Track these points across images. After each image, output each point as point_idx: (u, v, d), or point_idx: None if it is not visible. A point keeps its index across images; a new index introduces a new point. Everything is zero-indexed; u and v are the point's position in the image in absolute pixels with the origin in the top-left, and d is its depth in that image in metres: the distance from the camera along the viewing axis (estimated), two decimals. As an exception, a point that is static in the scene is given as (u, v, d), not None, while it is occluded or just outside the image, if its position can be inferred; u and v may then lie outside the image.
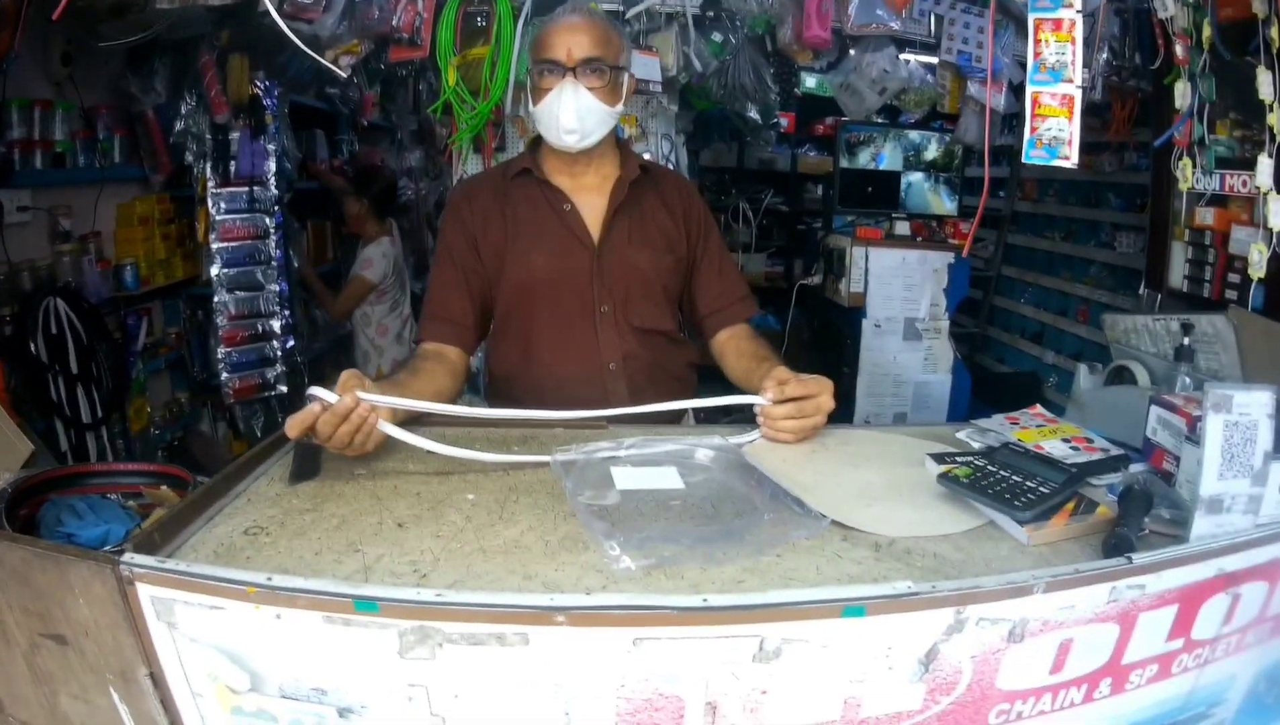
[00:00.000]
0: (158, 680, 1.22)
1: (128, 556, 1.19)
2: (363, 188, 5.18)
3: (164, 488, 1.73)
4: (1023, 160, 2.08)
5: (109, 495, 1.75)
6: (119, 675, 1.25)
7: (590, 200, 2.27)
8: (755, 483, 1.64)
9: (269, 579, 1.15)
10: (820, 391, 1.86)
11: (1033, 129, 2.03)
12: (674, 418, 2.23)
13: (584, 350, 2.23)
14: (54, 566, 1.23)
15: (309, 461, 1.65)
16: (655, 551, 1.30)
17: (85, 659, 1.27)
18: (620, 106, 2.22)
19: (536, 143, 2.32)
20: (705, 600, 1.14)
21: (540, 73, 2.17)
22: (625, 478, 1.61)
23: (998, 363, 6.65)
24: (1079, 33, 2.00)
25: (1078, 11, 1.99)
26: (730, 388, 2.13)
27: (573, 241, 2.24)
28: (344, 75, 3.80)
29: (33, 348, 3.47)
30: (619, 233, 2.26)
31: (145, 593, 1.17)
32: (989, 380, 6.01)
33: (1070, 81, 2.00)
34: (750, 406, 1.91)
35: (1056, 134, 2.01)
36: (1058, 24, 2.01)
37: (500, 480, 1.64)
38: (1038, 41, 2.03)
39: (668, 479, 1.63)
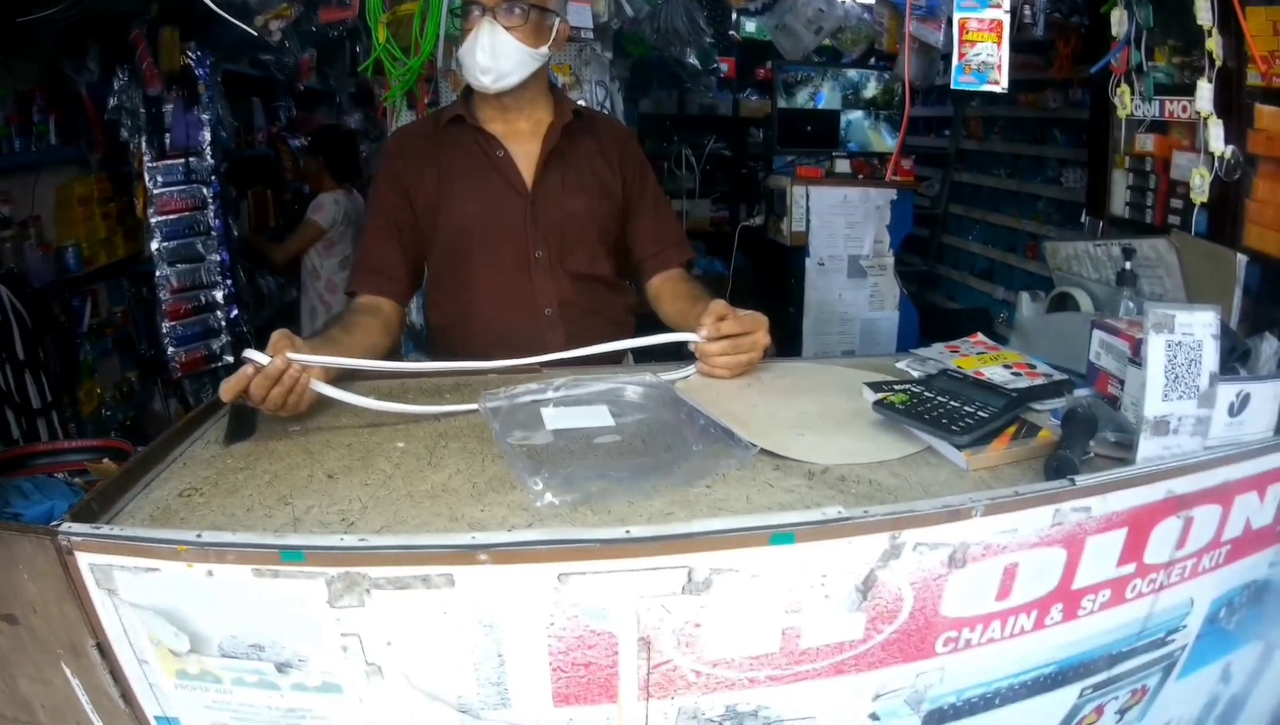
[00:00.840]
0: (104, 650, 1.21)
1: (65, 526, 1.17)
2: (319, 146, 5.14)
3: (106, 461, 1.76)
4: (951, 86, 2.08)
5: (56, 475, 1.76)
6: (69, 650, 1.24)
7: (523, 146, 2.24)
8: (687, 417, 1.64)
9: (198, 536, 1.13)
10: (756, 328, 1.87)
11: (961, 55, 2.03)
12: (613, 360, 2.22)
13: (520, 297, 2.22)
14: (0, 545, 1.22)
15: (244, 422, 1.65)
16: (581, 487, 1.30)
17: (36, 637, 1.26)
18: (545, 49, 2.19)
19: (469, 91, 2.29)
20: (628, 532, 1.14)
21: (465, 14, 2.14)
22: (555, 418, 1.61)
23: (948, 300, 6.71)
24: None
25: None
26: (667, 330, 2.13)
27: (506, 188, 2.22)
28: (274, 40, 3.76)
29: (-24, 337, 3.42)
30: (552, 178, 2.23)
31: (84, 561, 1.16)
32: (939, 317, 6.06)
33: (998, 7, 2.00)
34: (687, 346, 1.91)
35: (985, 59, 2.01)
36: None
37: (430, 427, 1.64)
38: None
39: (598, 417, 1.63)
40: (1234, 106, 2.32)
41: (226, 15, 2.18)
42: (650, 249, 2.36)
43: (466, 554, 1.11)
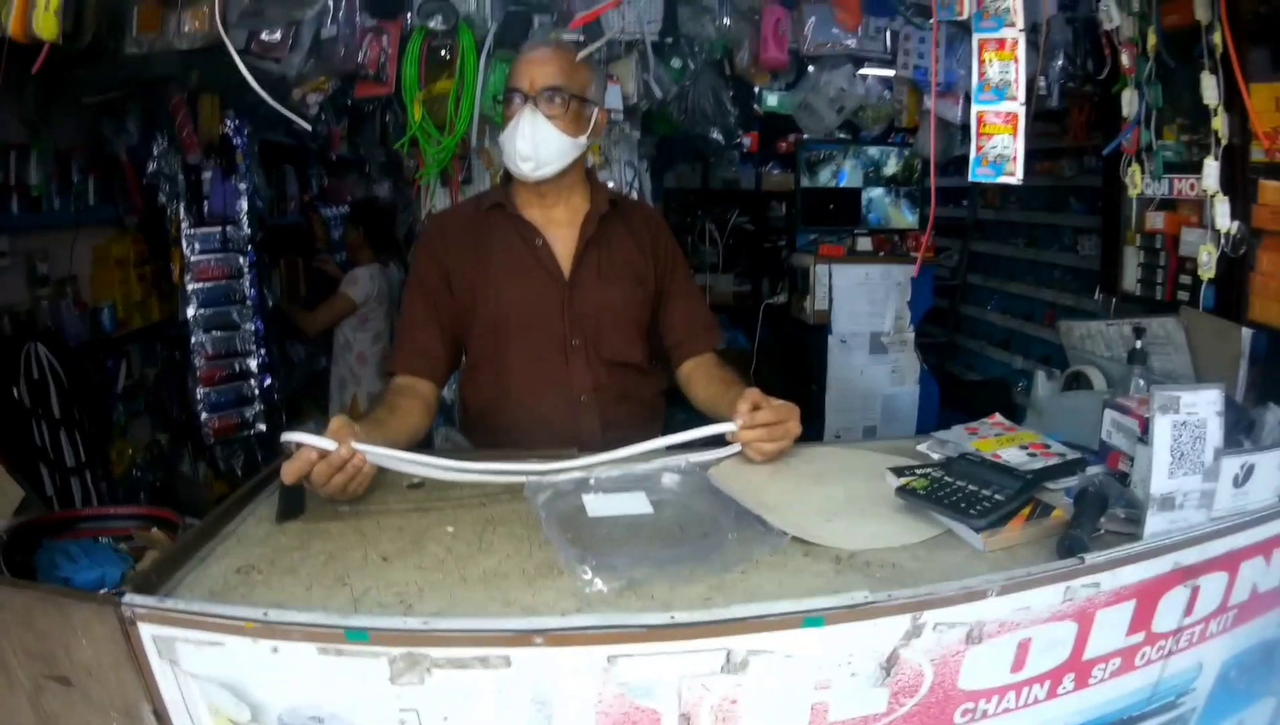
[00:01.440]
0: (161, 716, 1.26)
1: (129, 597, 1.22)
2: (359, 218, 5.23)
3: (155, 530, 1.76)
4: (969, 179, 2.14)
5: (100, 539, 1.77)
6: (123, 713, 1.29)
7: (561, 234, 2.31)
8: (720, 504, 1.70)
9: (265, 614, 1.20)
10: (789, 417, 1.94)
11: (978, 147, 2.09)
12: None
13: (556, 383, 2.27)
14: (57, 609, 1.27)
15: (294, 500, 1.69)
16: (625, 573, 1.37)
17: (89, 699, 1.30)
18: (584, 139, 2.25)
19: (509, 177, 2.35)
20: (673, 617, 1.21)
21: (507, 101, 2.22)
22: (596, 504, 1.68)
23: (968, 370, 6.73)
24: (1021, 51, 2.06)
25: (1020, 30, 2.05)
26: (698, 416, 2.19)
27: (544, 275, 2.28)
28: (311, 115, 3.85)
29: (15, 393, 3.49)
30: (589, 267, 2.30)
31: (147, 632, 1.22)
32: (959, 388, 6.11)
33: (1014, 100, 2.06)
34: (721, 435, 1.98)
35: (1002, 151, 2.07)
36: (1001, 43, 2.06)
37: (477, 513, 1.69)
38: (982, 61, 2.08)
39: (637, 504, 1.70)
40: (1239, 183, 2.37)
41: (263, 94, 2.26)
42: (682, 335, 2.41)
43: (524, 637, 1.18)
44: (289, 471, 1.62)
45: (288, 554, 1.51)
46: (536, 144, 2.18)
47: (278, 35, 3.32)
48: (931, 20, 2.16)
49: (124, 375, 4.37)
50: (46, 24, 1.87)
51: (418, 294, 2.32)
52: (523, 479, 1.74)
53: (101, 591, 1.49)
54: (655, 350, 2.45)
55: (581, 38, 3.46)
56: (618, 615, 1.24)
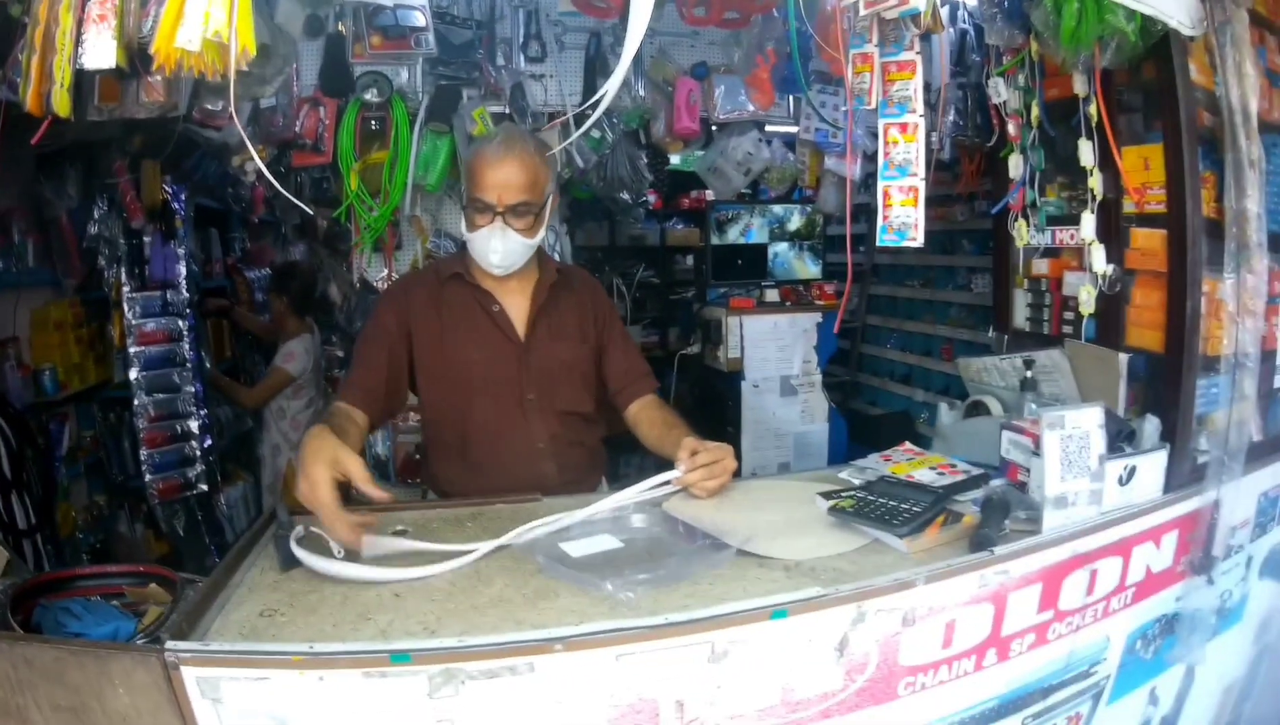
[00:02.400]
0: (202, 757, 1.36)
1: (171, 644, 1.33)
2: (282, 285, 5.22)
3: (153, 586, 1.79)
4: (877, 244, 2.36)
5: (92, 597, 1.80)
6: None
7: (515, 301, 2.52)
8: (680, 531, 1.97)
9: (311, 646, 1.36)
10: (724, 456, 2.19)
11: (885, 217, 2.30)
12: (592, 485, 2.57)
13: (516, 433, 2.49)
14: (94, 661, 1.35)
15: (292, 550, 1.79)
16: (637, 588, 1.61)
17: None
18: (541, 233, 2.46)
19: (463, 247, 2.54)
20: (667, 619, 1.47)
21: (474, 209, 2.38)
22: (575, 548, 1.87)
23: (871, 406, 6.96)
24: (921, 134, 2.28)
25: (920, 116, 2.28)
26: (639, 456, 2.43)
27: (501, 339, 2.49)
28: (248, 179, 3.96)
29: (-36, 457, 3.40)
30: (541, 329, 2.52)
31: (190, 674, 1.33)
32: (864, 423, 6.38)
33: (915, 175, 2.28)
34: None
35: (905, 220, 2.28)
36: (904, 127, 2.29)
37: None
38: (888, 143, 2.30)
39: (609, 543, 1.91)
40: (1113, 231, 2.58)
41: (269, 172, 2.34)
42: (624, 382, 2.62)
43: (545, 646, 1.42)
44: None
45: (304, 597, 1.64)
46: (507, 254, 2.39)
47: (220, 105, 3.40)
48: (861, 105, 2.36)
49: (67, 438, 4.29)
50: (63, 102, 1.90)
51: (377, 341, 2.49)
52: (512, 541, 1.91)
53: (136, 639, 1.56)
54: (602, 397, 2.65)
55: (505, 109, 3.63)
56: (622, 620, 1.48)
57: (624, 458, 2.36)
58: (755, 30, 3.71)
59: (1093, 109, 2.50)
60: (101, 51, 1.82)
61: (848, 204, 2.82)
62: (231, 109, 1.99)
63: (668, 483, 2.17)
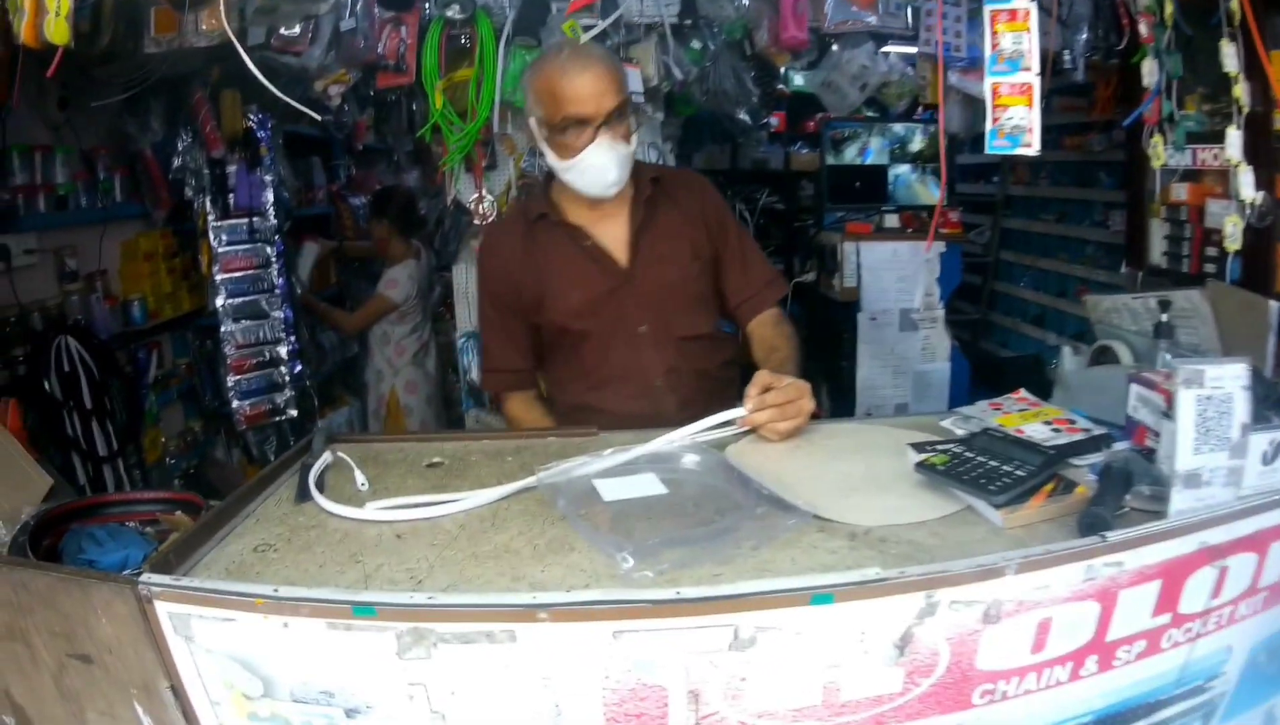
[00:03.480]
0: (178, 691, 1.31)
1: (145, 577, 1.27)
2: (381, 210, 5.23)
3: (179, 513, 1.80)
4: (986, 151, 2.10)
5: (128, 523, 1.82)
6: (142, 689, 1.34)
7: (610, 228, 2.33)
8: (737, 482, 1.69)
9: (275, 590, 1.25)
10: (799, 395, 1.94)
11: (994, 119, 2.05)
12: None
13: (630, 373, 2.32)
14: (79, 589, 1.32)
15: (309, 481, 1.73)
16: (665, 557, 1.35)
17: (110, 675, 1.35)
18: (635, 137, 2.27)
19: (548, 180, 2.38)
20: (678, 593, 1.21)
21: (565, 130, 2.17)
22: (610, 489, 1.66)
23: (1001, 347, 6.69)
24: (1034, 21, 2.02)
25: (1031, 0, 2.01)
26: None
27: (602, 273, 2.31)
28: (334, 106, 3.87)
29: (47, 386, 3.54)
30: (645, 252, 2.33)
31: (163, 609, 1.26)
32: (992, 365, 6.06)
33: (1028, 70, 2.02)
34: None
35: (1018, 123, 2.02)
36: (1013, 14, 2.02)
37: (492, 486, 1.69)
38: (994, 33, 2.04)
39: (650, 485, 1.68)
40: (1263, 152, 2.34)
41: (274, 89, 2.23)
42: (745, 294, 2.44)
43: (528, 612, 1.19)
44: None
45: (305, 532, 1.55)
46: (622, 166, 2.21)
47: (296, 30, 3.33)
48: None
49: (155, 366, 4.41)
50: (59, 30, 1.86)
51: (493, 312, 2.41)
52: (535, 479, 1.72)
53: (128, 571, 1.53)
54: (722, 310, 2.47)
55: (597, 21, 3.45)
56: (624, 591, 1.25)
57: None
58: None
59: (1235, 4, 2.24)
60: None
61: (940, 116, 2.53)
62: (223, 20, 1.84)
63: (732, 422, 1.94)
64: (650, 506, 1.60)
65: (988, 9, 2.05)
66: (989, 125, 2.06)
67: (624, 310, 2.31)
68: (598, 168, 2.18)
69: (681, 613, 1.20)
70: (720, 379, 2.43)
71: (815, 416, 1.97)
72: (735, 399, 2.08)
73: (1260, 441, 1.58)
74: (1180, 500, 1.52)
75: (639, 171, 2.38)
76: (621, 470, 1.74)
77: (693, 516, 1.56)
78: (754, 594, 1.21)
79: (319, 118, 2.74)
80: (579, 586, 1.30)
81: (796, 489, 1.60)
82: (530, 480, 1.69)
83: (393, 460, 1.88)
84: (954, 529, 1.50)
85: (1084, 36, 3.56)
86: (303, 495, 1.69)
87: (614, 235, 2.33)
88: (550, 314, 2.33)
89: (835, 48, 4.01)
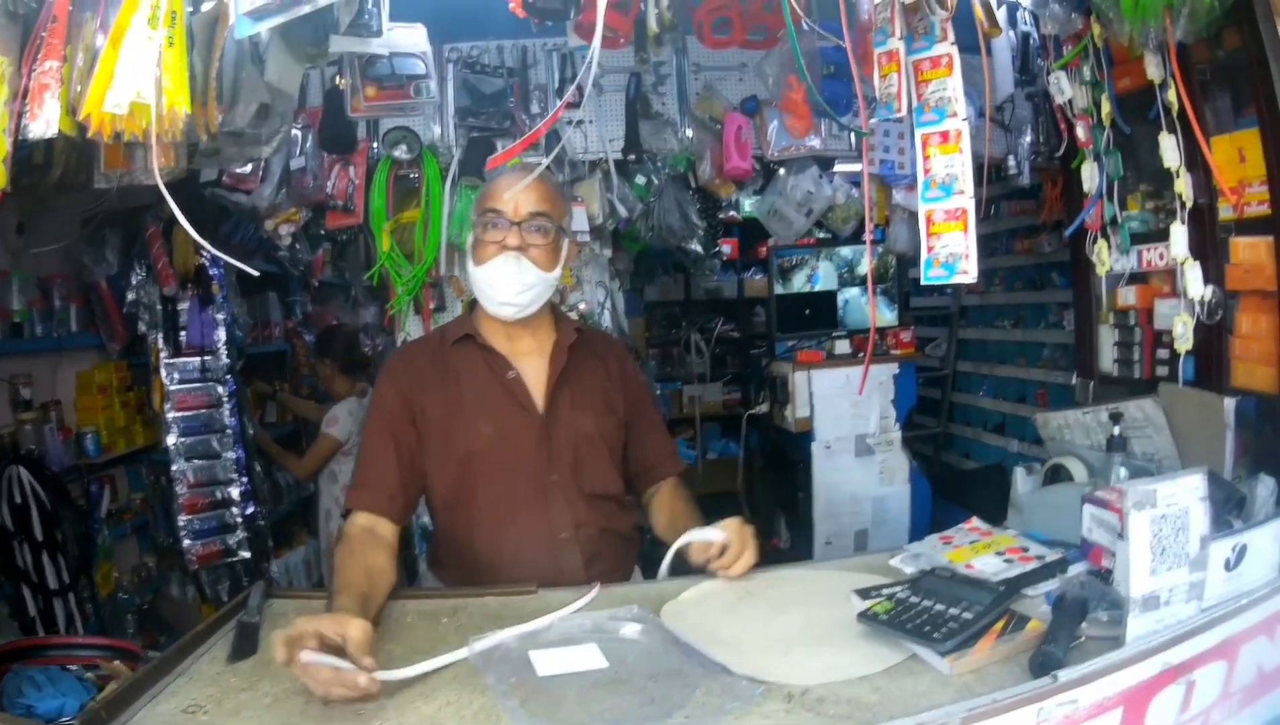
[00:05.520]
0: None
1: None
2: (325, 350, 5.19)
3: (116, 662, 1.80)
4: (922, 282, 2.08)
5: (68, 667, 1.80)
6: None
7: (531, 365, 2.23)
8: (677, 650, 1.61)
9: None
10: (737, 535, 1.97)
11: (929, 248, 2.03)
12: (624, 576, 2.27)
13: (535, 522, 2.17)
14: None
15: (248, 640, 1.72)
16: None
17: None
18: (558, 271, 2.20)
19: (474, 305, 2.29)
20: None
21: (484, 226, 2.14)
22: (545, 662, 1.57)
23: (964, 459, 6.65)
24: (966, 142, 2.01)
25: (962, 120, 2.00)
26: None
27: (518, 409, 2.20)
28: (284, 243, 3.88)
29: (-3, 516, 3.48)
30: (563, 398, 2.23)
31: None
32: (955, 478, 6.03)
33: (961, 193, 2.00)
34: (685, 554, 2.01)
35: (953, 250, 2.01)
36: (944, 136, 2.02)
37: (426, 655, 1.61)
38: (926, 157, 2.04)
39: (590, 658, 1.59)
40: (1209, 245, 2.32)
41: (192, 231, 2.16)
42: (648, 463, 2.38)
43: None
44: (311, 677, 1.45)
45: (235, 695, 1.52)
46: (524, 285, 2.13)
47: (248, 168, 3.36)
48: (890, 113, 2.10)
49: (108, 499, 4.36)
50: None
51: (378, 428, 2.21)
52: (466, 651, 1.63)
53: (64, 719, 1.59)
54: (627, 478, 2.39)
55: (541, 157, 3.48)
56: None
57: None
58: (785, 48, 3.41)
59: (1171, 95, 2.26)
60: (47, 120, 1.79)
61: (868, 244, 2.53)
62: (154, 167, 1.87)
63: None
64: (585, 682, 1.51)
65: (919, 133, 2.05)
66: (924, 254, 2.04)
67: (535, 455, 2.18)
68: (499, 281, 2.12)
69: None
70: (627, 541, 2.34)
71: (775, 548, 1.94)
72: (635, 561, 2.16)
73: (1222, 548, 1.58)
74: (1137, 625, 1.48)
75: (563, 321, 2.34)
76: (560, 640, 1.67)
77: (628, 693, 1.46)
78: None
79: (254, 273, 2.72)
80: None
81: (736, 648, 1.56)
82: (461, 652, 1.60)
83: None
84: (897, 681, 1.45)
85: (1028, 139, 3.63)
86: (237, 654, 1.67)
87: (534, 373, 2.23)
88: (455, 442, 2.17)
89: (781, 172, 4.07)
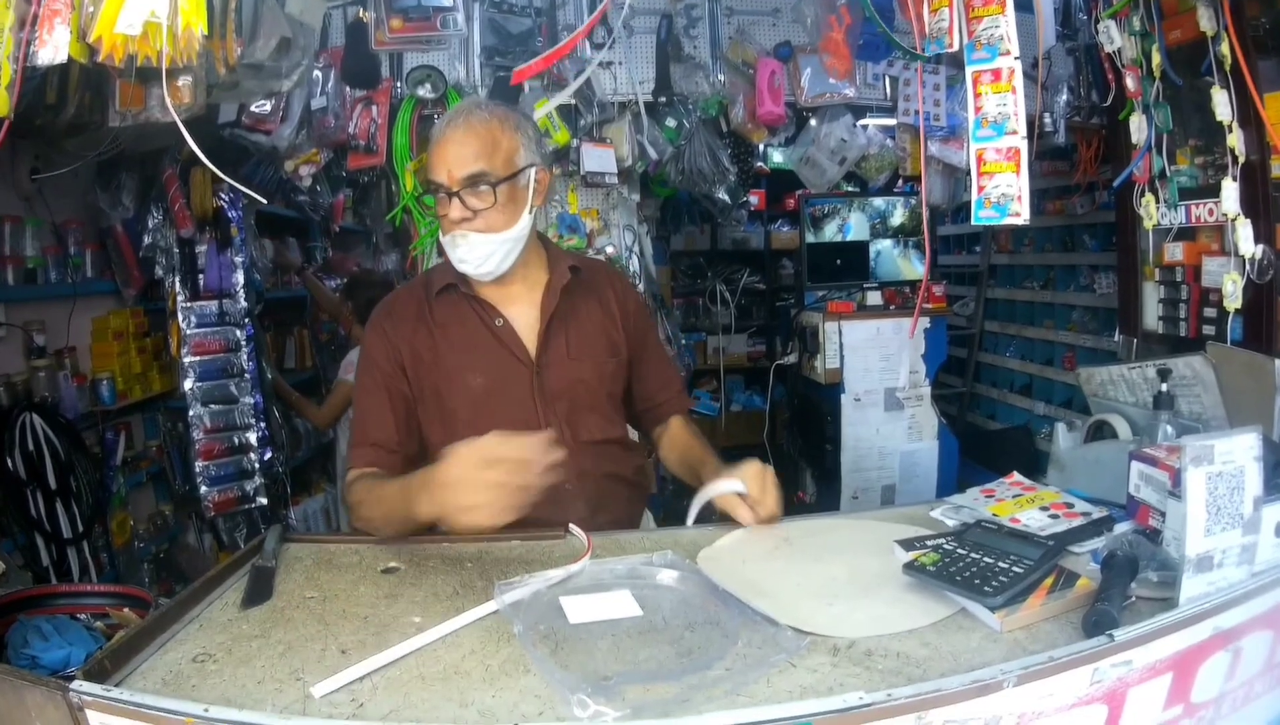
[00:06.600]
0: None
1: (77, 684, 1.22)
2: (350, 291, 5.15)
3: (126, 610, 1.73)
4: (972, 222, 2.02)
5: (77, 615, 1.75)
6: None
7: (521, 311, 2.14)
8: (715, 597, 1.55)
9: (205, 710, 1.18)
10: (757, 481, 1.90)
11: (980, 188, 1.96)
12: (631, 523, 2.19)
13: None
14: (12, 691, 1.27)
15: (262, 585, 1.66)
16: (625, 695, 1.20)
17: None
18: (526, 216, 2.05)
19: None
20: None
21: (433, 196, 2.03)
22: (577, 608, 1.51)
23: (989, 420, 6.62)
24: (1019, 81, 1.94)
25: (1015, 59, 1.93)
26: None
27: (509, 359, 2.11)
28: (304, 184, 3.82)
29: (9, 464, 3.47)
30: (556, 344, 2.14)
31: (95, 719, 1.21)
32: (980, 439, 6.02)
33: (1014, 134, 1.94)
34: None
35: (1005, 191, 1.94)
36: (996, 74, 1.95)
37: (448, 604, 1.58)
38: (977, 95, 1.97)
39: (622, 605, 1.53)
40: (1261, 202, 2.28)
41: (210, 164, 2.10)
42: (655, 399, 2.32)
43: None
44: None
45: (246, 643, 1.46)
46: (483, 257, 2.02)
47: (267, 107, 3.31)
48: (926, 59, 2.03)
49: (123, 447, 4.33)
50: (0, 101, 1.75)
51: (371, 384, 2.13)
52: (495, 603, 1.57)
53: (70, 669, 1.49)
54: (627, 414, 2.33)
55: (572, 100, 3.40)
56: (573, 725, 1.12)
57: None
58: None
59: (1224, 48, 2.21)
60: (56, 46, 1.73)
61: (923, 187, 2.46)
62: (167, 96, 1.78)
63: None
64: (619, 630, 1.45)
65: (970, 70, 1.97)
66: (974, 195, 1.97)
67: (529, 404, 2.09)
68: (452, 254, 2.03)
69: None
70: (634, 485, 2.25)
71: (800, 501, 1.88)
72: (645, 503, 2.09)
73: (1275, 512, 1.50)
74: (1192, 587, 1.42)
75: (557, 258, 2.22)
76: (592, 586, 1.61)
77: (664, 643, 1.40)
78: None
79: (264, 201, 2.66)
80: (532, 715, 1.18)
81: (776, 598, 1.49)
82: (490, 605, 1.54)
83: (346, 564, 1.77)
84: (947, 636, 1.39)
85: (1064, 98, 3.56)
86: (249, 600, 1.61)
87: (524, 318, 2.13)
88: (443, 397, 2.10)
89: (813, 122, 4.00)
